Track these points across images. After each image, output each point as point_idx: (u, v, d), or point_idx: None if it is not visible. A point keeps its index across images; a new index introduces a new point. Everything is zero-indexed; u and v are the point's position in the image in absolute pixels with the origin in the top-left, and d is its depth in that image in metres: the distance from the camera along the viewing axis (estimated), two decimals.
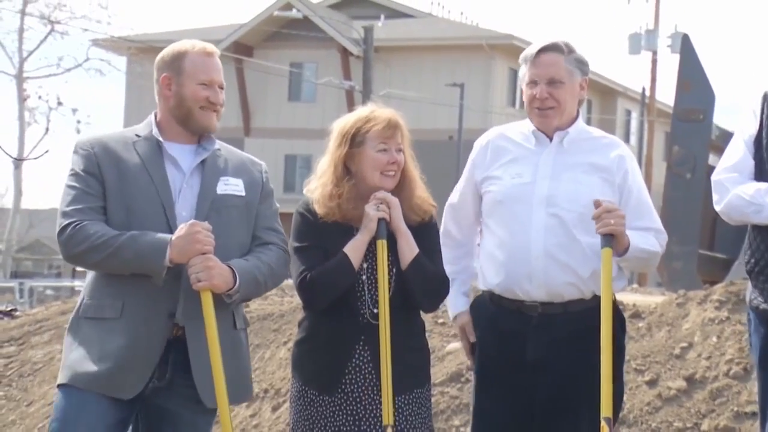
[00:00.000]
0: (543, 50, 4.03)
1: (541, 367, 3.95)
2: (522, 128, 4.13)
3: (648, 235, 4.01)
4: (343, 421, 3.88)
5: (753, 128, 3.99)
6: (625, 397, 4.78)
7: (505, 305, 4.02)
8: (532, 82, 4.02)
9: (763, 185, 3.91)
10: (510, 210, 4.00)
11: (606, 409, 3.71)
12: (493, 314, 4.05)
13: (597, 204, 3.85)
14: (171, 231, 3.66)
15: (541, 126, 4.06)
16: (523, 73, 4.07)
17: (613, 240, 3.83)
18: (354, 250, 3.88)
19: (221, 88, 3.82)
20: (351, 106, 27.24)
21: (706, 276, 9.95)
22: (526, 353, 3.97)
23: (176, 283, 3.66)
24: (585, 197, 3.93)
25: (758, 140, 3.97)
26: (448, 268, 4.08)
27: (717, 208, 4.06)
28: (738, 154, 4.01)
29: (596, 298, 3.90)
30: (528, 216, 3.97)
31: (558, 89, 4.00)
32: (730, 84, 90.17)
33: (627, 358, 4.32)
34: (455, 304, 4.21)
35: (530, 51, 4.06)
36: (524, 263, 3.95)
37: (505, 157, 4.08)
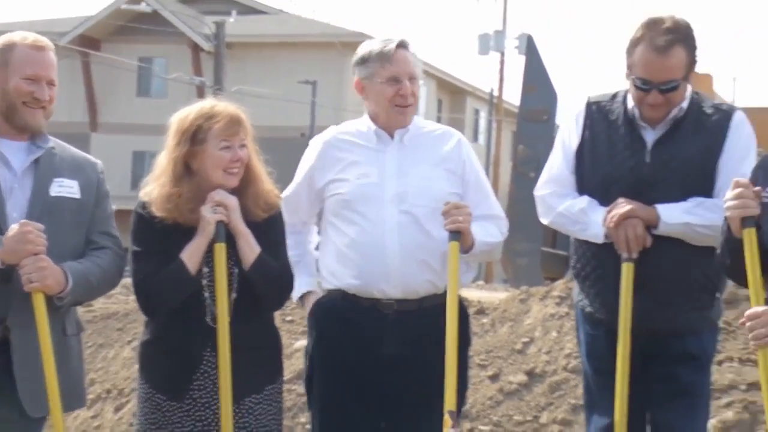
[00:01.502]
0: (400, 46, 4.00)
1: (397, 363, 3.95)
2: (359, 126, 4.11)
3: (489, 225, 4.06)
4: (191, 426, 3.81)
5: (574, 141, 4.02)
6: (468, 392, 4.87)
7: (360, 303, 4.00)
8: (393, 79, 3.98)
9: (584, 202, 3.94)
10: (360, 210, 3.98)
11: (450, 402, 3.74)
12: (347, 312, 4.02)
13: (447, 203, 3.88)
14: (1, 232, 3.52)
15: (400, 124, 4.05)
16: (372, 71, 3.98)
17: (460, 236, 3.87)
18: (191, 255, 3.76)
19: (51, 84, 3.66)
20: None
21: (549, 273, 10.21)
22: (381, 350, 3.96)
23: (6, 286, 3.52)
24: (434, 191, 3.97)
25: (579, 154, 3.99)
26: (292, 252, 4.02)
27: (543, 221, 4.12)
28: (559, 167, 4.05)
29: None
30: (380, 215, 3.96)
31: (416, 86, 4.03)
32: (575, 84, 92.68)
33: (470, 353, 4.39)
34: (302, 284, 4.13)
35: (384, 47, 3.98)
36: (380, 263, 3.94)
37: (346, 158, 4.05)
